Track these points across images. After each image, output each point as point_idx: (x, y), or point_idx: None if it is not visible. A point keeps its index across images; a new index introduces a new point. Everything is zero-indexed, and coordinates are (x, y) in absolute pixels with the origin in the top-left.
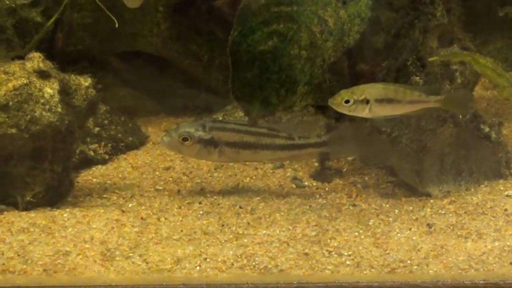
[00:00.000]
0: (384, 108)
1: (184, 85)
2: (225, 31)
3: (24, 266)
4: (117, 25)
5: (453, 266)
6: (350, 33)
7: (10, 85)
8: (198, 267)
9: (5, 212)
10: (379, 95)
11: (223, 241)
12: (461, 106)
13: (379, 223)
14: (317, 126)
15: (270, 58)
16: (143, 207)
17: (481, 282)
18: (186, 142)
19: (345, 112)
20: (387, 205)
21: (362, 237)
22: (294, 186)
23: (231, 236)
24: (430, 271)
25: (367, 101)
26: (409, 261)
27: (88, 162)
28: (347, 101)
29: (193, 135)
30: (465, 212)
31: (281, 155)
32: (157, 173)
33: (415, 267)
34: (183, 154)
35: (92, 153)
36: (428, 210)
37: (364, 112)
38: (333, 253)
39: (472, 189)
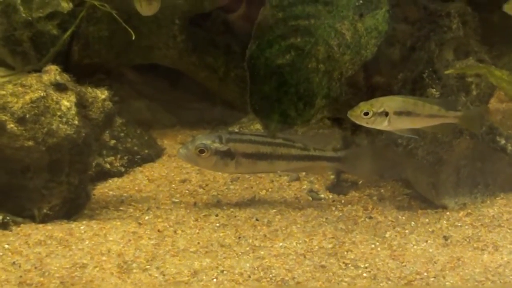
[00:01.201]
0: (403, 121)
1: (200, 98)
2: (240, 44)
3: (41, 279)
4: (133, 38)
5: (469, 278)
6: (367, 46)
7: (27, 97)
8: (215, 280)
9: (22, 225)
10: (398, 107)
11: (240, 253)
12: (476, 124)
13: (396, 236)
14: (333, 138)
15: (287, 72)
16: (159, 220)
17: None
18: (203, 154)
19: (364, 124)
20: (403, 218)
21: (379, 249)
22: (310, 198)
23: (247, 249)
24: (447, 283)
25: (386, 114)
26: (425, 273)
27: (104, 175)
28: (366, 113)
29: (209, 147)
30: (481, 225)
31: (296, 166)
32: (173, 185)
33: (432, 279)
34: (200, 166)
35: (108, 166)
36: (444, 222)
37: (383, 125)
38: (349, 265)
39: (488, 202)
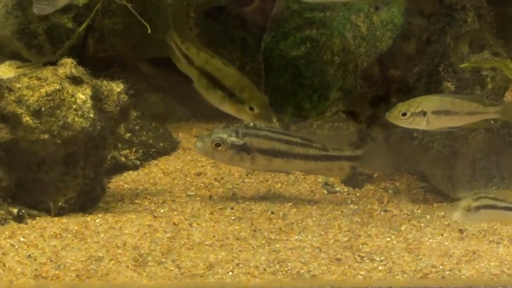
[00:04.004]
0: (442, 120)
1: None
2: (255, 38)
3: (57, 272)
4: (149, 31)
5: (485, 272)
6: (382, 38)
7: (42, 90)
8: (230, 273)
9: (37, 218)
10: (436, 107)
11: (255, 246)
12: None
13: (411, 229)
14: (350, 138)
15: (302, 64)
16: (175, 213)
17: None
18: (219, 147)
19: (403, 125)
20: (419, 211)
21: (394, 242)
22: (325, 191)
23: (263, 242)
24: (463, 276)
25: (424, 113)
26: (441, 267)
27: (119, 168)
28: (404, 114)
29: (226, 141)
30: None
31: (314, 166)
32: (188, 178)
33: (448, 272)
34: (216, 159)
35: (123, 159)
36: None
37: (421, 124)
38: (365, 258)
39: None
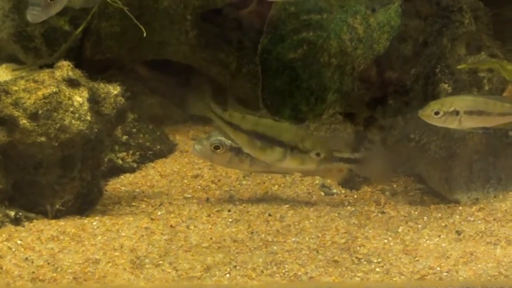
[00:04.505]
0: (474, 120)
1: (212, 94)
2: (252, 40)
3: (54, 274)
4: (145, 34)
5: (482, 273)
6: (379, 40)
7: (39, 93)
8: (228, 275)
9: (34, 220)
10: (469, 106)
11: (253, 248)
12: None
13: (408, 230)
14: (348, 140)
15: (299, 66)
16: (172, 215)
17: None
18: (218, 150)
19: (435, 123)
20: (416, 212)
21: (392, 244)
22: (322, 193)
23: (260, 244)
24: (460, 278)
25: (457, 113)
26: (438, 268)
27: (116, 171)
28: (436, 113)
29: (224, 143)
30: (494, 219)
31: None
32: (185, 181)
33: (445, 274)
34: (215, 162)
35: (120, 162)
36: (457, 217)
37: (454, 124)
38: (362, 260)
39: (501, 196)
